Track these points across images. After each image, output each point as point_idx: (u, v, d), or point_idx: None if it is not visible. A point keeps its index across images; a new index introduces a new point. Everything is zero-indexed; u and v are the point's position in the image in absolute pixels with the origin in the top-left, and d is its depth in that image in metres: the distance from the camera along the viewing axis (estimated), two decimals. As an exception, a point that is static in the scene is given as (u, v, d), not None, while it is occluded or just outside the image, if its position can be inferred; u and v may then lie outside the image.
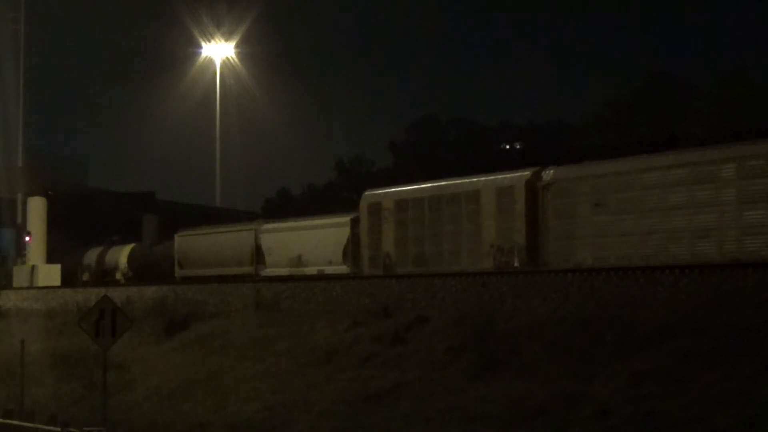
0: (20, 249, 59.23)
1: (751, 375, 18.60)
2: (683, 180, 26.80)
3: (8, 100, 62.79)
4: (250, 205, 78.67)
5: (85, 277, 54.93)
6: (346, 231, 37.58)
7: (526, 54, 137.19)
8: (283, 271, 39.69)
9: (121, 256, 53.40)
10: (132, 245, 53.45)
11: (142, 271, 50.70)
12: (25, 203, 59.18)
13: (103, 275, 53.85)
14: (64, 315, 40.11)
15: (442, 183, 34.45)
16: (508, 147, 70.42)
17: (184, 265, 46.85)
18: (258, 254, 42.07)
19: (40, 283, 52.77)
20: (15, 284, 54.94)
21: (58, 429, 24.84)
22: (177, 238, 48.02)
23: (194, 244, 46.79)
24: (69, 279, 54.35)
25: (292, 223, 41.64)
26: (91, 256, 56.11)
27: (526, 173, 30.95)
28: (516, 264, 30.07)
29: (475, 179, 32.83)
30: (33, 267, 55.62)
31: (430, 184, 34.97)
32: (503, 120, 78.66)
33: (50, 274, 54.87)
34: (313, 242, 39.00)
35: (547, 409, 19.95)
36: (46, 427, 25.65)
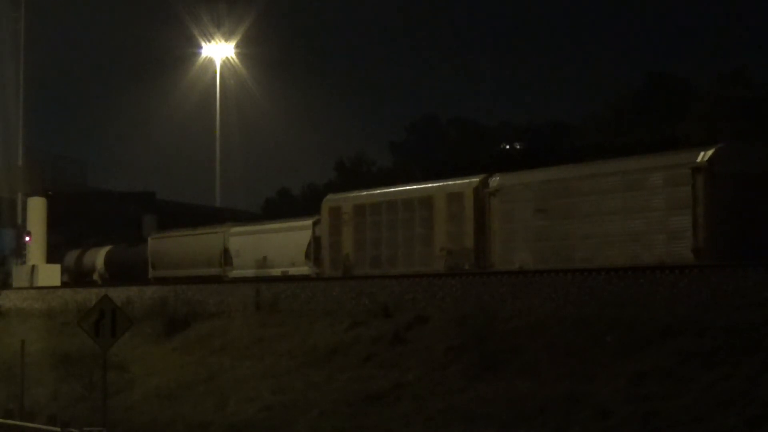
0: (20, 249, 59.27)
1: (751, 375, 18.59)
2: (617, 187, 28.48)
3: (8, 100, 62.79)
4: (250, 205, 78.73)
5: (64, 277, 55.69)
6: (308, 234, 39.46)
7: (526, 54, 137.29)
8: (250, 273, 41.48)
9: (98, 257, 55.08)
10: (108, 247, 55.50)
11: (117, 273, 52.64)
12: (25, 203, 59.22)
13: (82, 276, 54.83)
14: (64, 315, 40.07)
15: (398, 189, 36.50)
16: (508, 147, 70.47)
17: (157, 267, 48.80)
18: (226, 256, 43.81)
19: (40, 283, 52.83)
20: (15, 284, 54.98)
21: (58, 429, 24.83)
22: (150, 240, 50.35)
23: (166, 246, 48.82)
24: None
25: (257, 227, 43.74)
26: (70, 258, 57.18)
27: (475, 180, 32.66)
28: (466, 266, 31.53)
29: (427, 185, 34.79)
30: (33, 267, 55.69)
31: (386, 190, 37.01)
32: (503, 120, 78.83)
33: (50, 274, 54.96)
34: (278, 245, 40.83)
35: (547, 409, 19.95)
36: (46, 427, 25.65)
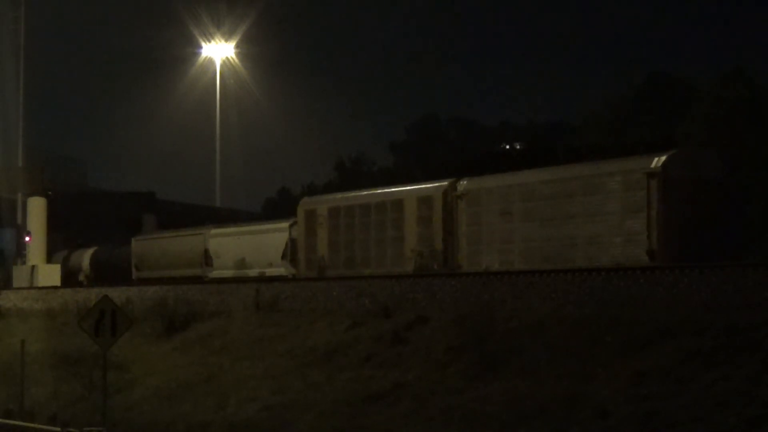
0: (20, 249, 59.30)
1: (751, 375, 18.60)
2: (577, 191, 29.60)
3: (8, 100, 62.80)
4: (250, 205, 78.75)
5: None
6: (285, 236, 40.75)
7: (526, 54, 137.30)
8: (228, 273, 42.92)
9: (85, 258, 56.05)
10: (94, 248, 56.51)
11: (103, 273, 53.75)
12: (25, 203, 59.23)
13: (69, 276, 55.49)
14: (64, 315, 40.09)
15: (370, 192, 37.82)
16: (508, 147, 70.51)
17: (141, 268, 50.12)
18: (206, 257, 45.19)
19: (40, 283, 52.86)
20: (15, 284, 54.98)
21: (58, 429, 24.84)
22: (134, 242, 51.63)
23: (150, 247, 50.21)
24: None
25: (237, 229, 44.99)
26: (58, 258, 57.95)
27: (444, 184, 33.84)
28: (435, 267, 32.70)
29: (399, 189, 35.95)
30: (33, 267, 55.72)
31: (359, 193, 38.33)
32: (503, 120, 78.85)
33: (50, 274, 55.01)
34: (256, 246, 42.21)
35: (547, 409, 19.95)
36: (46, 427, 25.66)
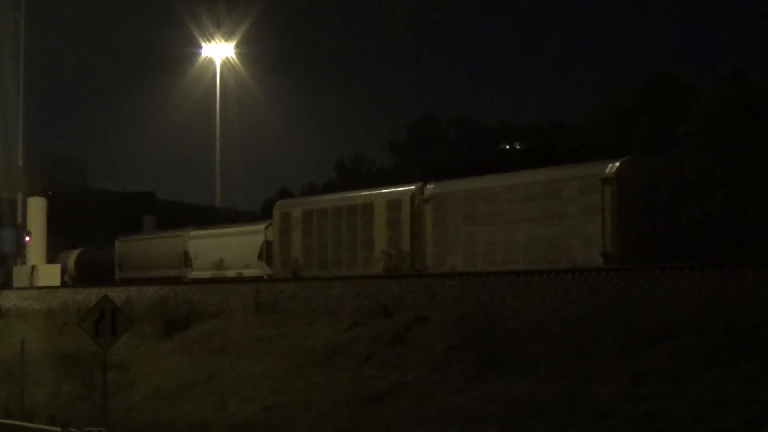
0: (20, 249, 59.29)
1: (751, 375, 18.59)
2: (537, 195, 30.78)
3: (8, 100, 62.75)
4: (250, 205, 78.70)
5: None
6: (261, 238, 42.14)
7: (526, 54, 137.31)
8: (207, 274, 44.29)
9: (70, 259, 56.74)
10: (79, 250, 57.98)
11: (87, 274, 54.96)
12: (25, 203, 59.23)
13: None
14: (64, 315, 40.11)
15: (342, 195, 39.37)
16: (508, 147, 70.45)
17: (123, 268, 51.58)
18: (186, 258, 46.64)
19: (40, 283, 52.89)
20: (15, 284, 54.99)
21: (58, 429, 24.84)
22: (117, 243, 52.91)
23: (132, 248, 51.68)
24: None
25: (215, 231, 46.42)
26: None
27: (412, 188, 35.10)
28: (404, 269, 33.85)
29: (369, 193, 37.25)
30: (33, 267, 55.72)
31: (331, 197, 39.93)
32: (503, 120, 78.75)
33: (50, 274, 55.04)
34: (233, 247, 43.74)
35: (547, 409, 19.94)
36: (46, 427, 25.66)
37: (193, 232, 47.29)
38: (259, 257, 41.86)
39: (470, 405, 21.30)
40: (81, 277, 55.08)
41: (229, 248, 43.96)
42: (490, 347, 23.40)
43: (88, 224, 68.21)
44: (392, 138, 75.75)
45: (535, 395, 20.60)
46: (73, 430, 24.02)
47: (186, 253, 46.73)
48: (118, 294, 36.61)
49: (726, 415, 17.66)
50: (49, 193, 61.73)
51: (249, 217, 62.27)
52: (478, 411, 20.92)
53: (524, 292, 25.74)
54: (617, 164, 29.40)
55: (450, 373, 23.24)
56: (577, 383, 20.41)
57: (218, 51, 71.88)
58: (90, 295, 39.87)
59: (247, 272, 41.91)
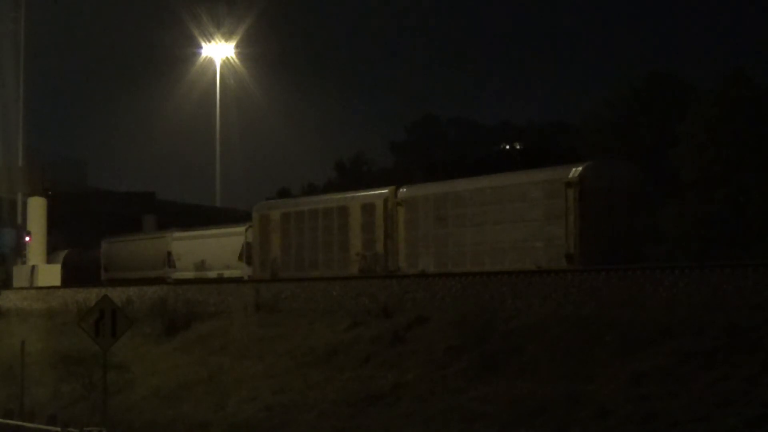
0: (20, 249, 59.25)
1: (751, 375, 18.60)
2: (503, 198, 31.67)
3: (8, 100, 62.72)
4: (250, 205, 78.57)
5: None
6: (241, 239, 42.94)
7: (526, 54, 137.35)
8: (190, 275, 45.03)
9: (58, 260, 57.98)
10: (66, 251, 58.62)
11: (74, 274, 55.37)
12: (25, 203, 59.19)
13: None
14: (64, 315, 40.12)
15: (319, 198, 40.63)
16: (508, 147, 70.41)
17: (109, 269, 52.42)
18: (169, 259, 47.38)
19: (40, 283, 52.84)
20: (15, 284, 54.96)
21: (58, 429, 24.83)
22: (103, 244, 53.71)
23: (117, 250, 52.43)
24: None
25: (197, 232, 47.05)
26: None
27: (385, 191, 35.81)
28: (378, 270, 34.61)
29: (344, 196, 38.28)
30: (33, 267, 55.68)
31: (309, 199, 41.08)
32: (503, 120, 78.75)
33: (50, 274, 54.99)
34: (215, 249, 44.67)
35: (547, 409, 19.95)
36: (46, 427, 25.64)
37: (176, 234, 48.13)
38: (240, 258, 42.66)
39: (470, 405, 21.31)
40: (68, 277, 55.42)
41: (210, 249, 44.89)
42: (490, 347, 23.41)
43: (88, 224, 68.13)
44: (392, 138, 75.75)
45: (535, 395, 20.61)
46: (73, 430, 24.01)
47: (169, 254, 47.54)
48: (118, 294, 36.61)
49: (726, 415, 17.67)
50: (49, 193, 61.61)
51: (249, 217, 62.26)
52: (478, 411, 20.93)
53: (524, 292, 25.74)
54: (580, 169, 30.18)
55: (450, 373, 23.25)
56: (577, 383, 20.42)
57: (218, 51, 71.96)
58: (90, 295, 39.87)
59: (228, 273, 42.86)
